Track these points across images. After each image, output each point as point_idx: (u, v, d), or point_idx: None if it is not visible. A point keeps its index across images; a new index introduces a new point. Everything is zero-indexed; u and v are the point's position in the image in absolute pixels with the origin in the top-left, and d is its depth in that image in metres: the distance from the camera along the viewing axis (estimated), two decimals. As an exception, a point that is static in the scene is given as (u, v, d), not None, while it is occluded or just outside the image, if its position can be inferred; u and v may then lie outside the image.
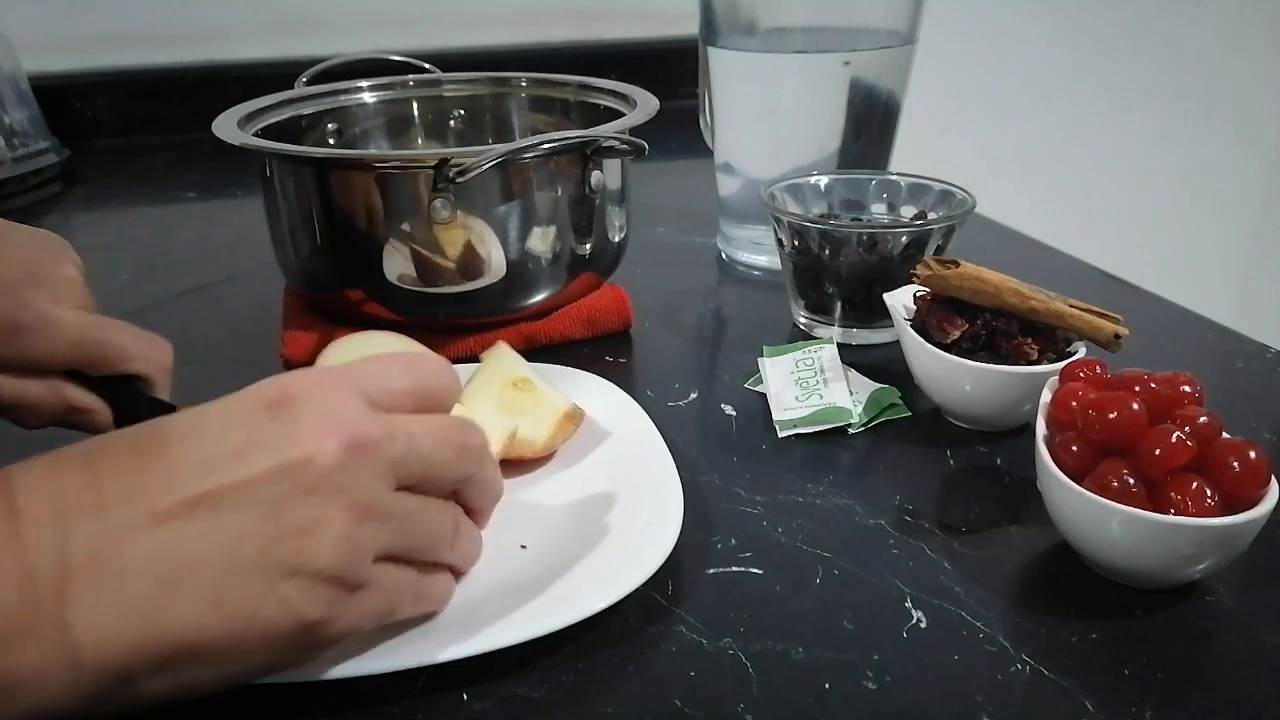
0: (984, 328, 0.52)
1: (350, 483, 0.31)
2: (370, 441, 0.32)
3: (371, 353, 0.53)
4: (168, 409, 0.45)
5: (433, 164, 0.54)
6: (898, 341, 0.55)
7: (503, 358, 0.52)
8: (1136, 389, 0.41)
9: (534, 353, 0.60)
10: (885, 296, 0.56)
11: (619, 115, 0.64)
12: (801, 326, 0.65)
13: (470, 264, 0.57)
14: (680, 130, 0.87)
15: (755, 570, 0.42)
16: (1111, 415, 0.40)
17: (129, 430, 0.32)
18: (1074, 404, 0.42)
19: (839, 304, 0.62)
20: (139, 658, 0.28)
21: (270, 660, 0.31)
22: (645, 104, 0.64)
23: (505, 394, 0.50)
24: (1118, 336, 0.50)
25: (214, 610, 0.29)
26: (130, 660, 0.28)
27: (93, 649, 0.28)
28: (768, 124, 0.73)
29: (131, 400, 0.45)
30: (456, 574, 0.39)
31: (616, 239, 0.64)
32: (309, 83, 0.75)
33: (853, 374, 0.57)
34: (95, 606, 0.28)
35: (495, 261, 0.58)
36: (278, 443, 0.31)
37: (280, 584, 0.30)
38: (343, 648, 0.36)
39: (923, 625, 0.39)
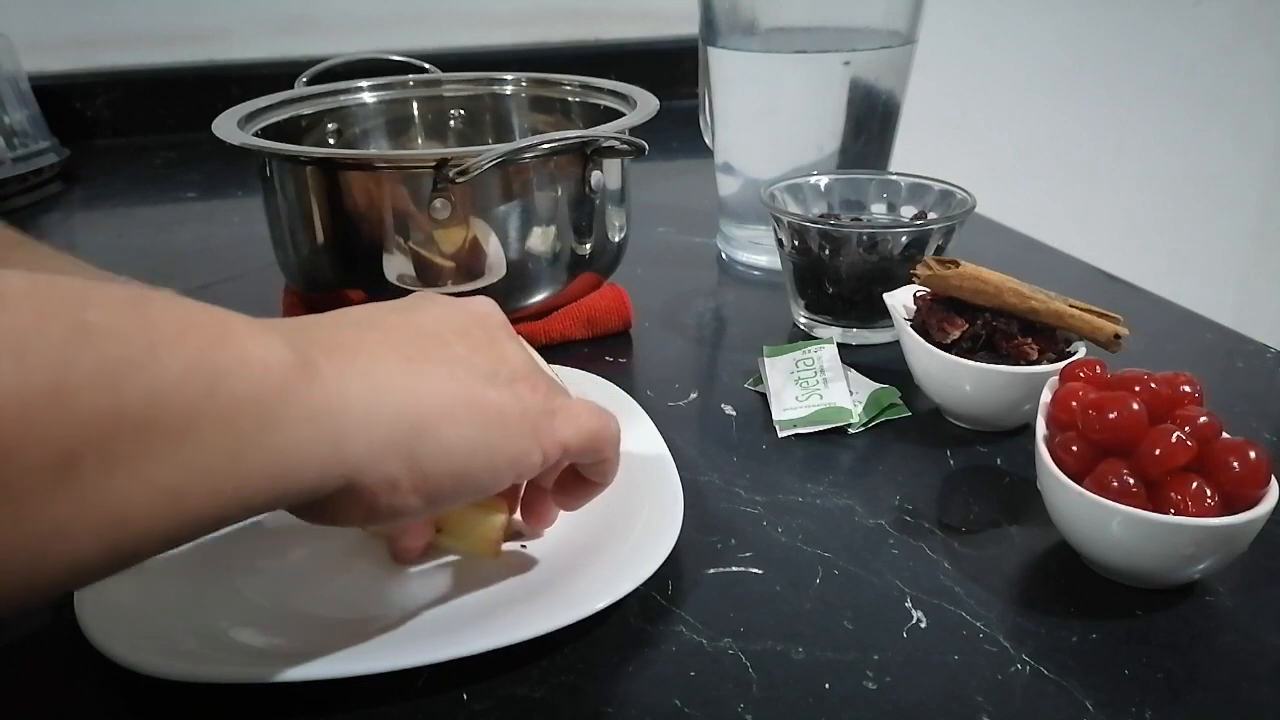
0: (984, 328, 0.52)
1: (509, 335, 0.39)
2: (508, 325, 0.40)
3: None
4: None
5: (433, 164, 0.54)
6: (898, 341, 0.55)
7: None
8: (1136, 389, 0.41)
9: (534, 353, 0.60)
10: (885, 296, 0.56)
11: (619, 115, 0.64)
12: (801, 326, 0.65)
13: (470, 264, 0.57)
14: (680, 130, 0.87)
15: (755, 570, 0.42)
16: (1111, 415, 0.40)
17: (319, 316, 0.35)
18: (1074, 404, 0.42)
19: (839, 304, 0.62)
20: (398, 428, 0.31)
21: (508, 439, 0.34)
22: (645, 104, 0.64)
23: None
24: (1118, 336, 0.50)
25: (451, 395, 0.33)
26: (390, 432, 0.30)
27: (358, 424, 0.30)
28: (768, 124, 0.73)
29: None
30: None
31: (616, 239, 0.64)
32: (309, 83, 0.75)
33: (853, 374, 0.57)
34: (355, 391, 0.30)
35: (495, 261, 0.58)
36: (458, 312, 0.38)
37: (500, 386, 0.34)
38: (343, 647, 0.36)
39: (923, 625, 0.39)
